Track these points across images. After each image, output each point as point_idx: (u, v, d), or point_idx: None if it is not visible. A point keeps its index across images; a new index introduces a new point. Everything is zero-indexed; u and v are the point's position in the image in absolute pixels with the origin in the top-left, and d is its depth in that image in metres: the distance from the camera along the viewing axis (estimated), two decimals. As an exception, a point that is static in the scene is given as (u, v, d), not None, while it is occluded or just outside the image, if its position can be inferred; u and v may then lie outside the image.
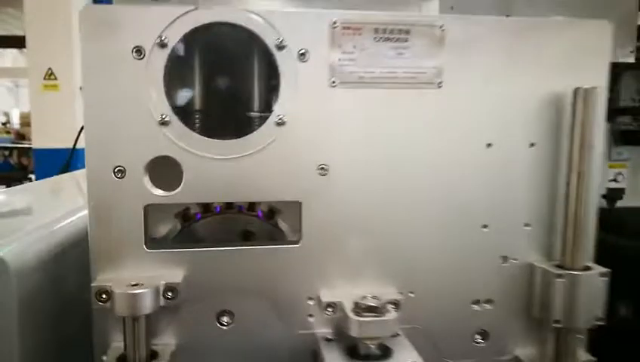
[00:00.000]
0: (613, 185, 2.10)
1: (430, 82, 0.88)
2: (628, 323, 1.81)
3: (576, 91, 0.89)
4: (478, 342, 0.94)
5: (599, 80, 0.92)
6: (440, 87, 0.89)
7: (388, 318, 0.79)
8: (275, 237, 0.98)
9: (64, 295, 0.96)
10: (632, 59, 1.79)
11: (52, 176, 2.04)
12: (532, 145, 0.92)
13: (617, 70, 1.92)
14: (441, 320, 0.92)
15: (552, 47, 0.92)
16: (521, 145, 0.92)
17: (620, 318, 1.83)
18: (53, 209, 1.24)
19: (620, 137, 2.06)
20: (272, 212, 1.01)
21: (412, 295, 0.91)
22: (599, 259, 1.93)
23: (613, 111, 2.01)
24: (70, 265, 0.96)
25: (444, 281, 0.92)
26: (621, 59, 1.80)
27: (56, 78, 4.25)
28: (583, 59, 0.92)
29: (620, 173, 2.14)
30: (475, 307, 0.94)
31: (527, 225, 0.94)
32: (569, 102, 0.90)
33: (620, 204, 2.07)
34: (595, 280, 0.89)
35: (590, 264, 0.92)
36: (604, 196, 2.03)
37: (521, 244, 0.94)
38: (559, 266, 0.91)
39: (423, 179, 0.90)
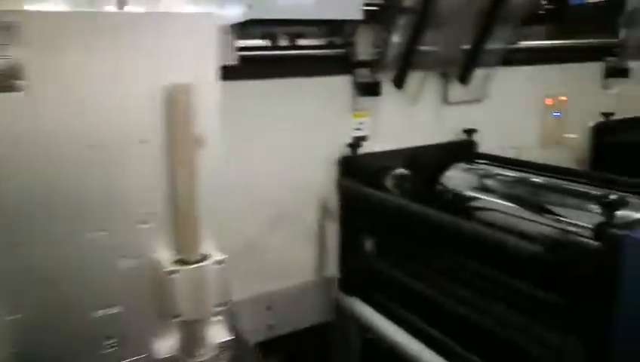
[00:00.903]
0: (358, 133, 2.22)
1: (5, 84, 0.78)
2: (371, 258, 2.01)
3: (177, 87, 0.86)
4: (110, 347, 0.93)
5: (208, 75, 0.91)
6: (20, 90, 0.79)
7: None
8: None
9: None
10: (360, 17, 1.85)
11: None
12: (143, 141, 0.89)
13: (353, 25, 1.98)
14: (62, 335, 0.88)
15: (158, 42, 0.87)
16: (131, 142, 0.88)
17: (365, 254, 2.02)
18: None
19: (361, 88, 2.16)
20: None
21: (18, 316, 0.84)
22: (345, 203, 2.06)
23: (353, 65, 2.10)
24: None
25: (60, 295, 0.87)
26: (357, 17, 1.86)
27: None
28: (192, 52, 0.90)
29: (362, 122, 2.27)
30: (100, 313, 0.91)
31: (144, 222, 0.92)
32: (177, 99, 0.88)
33: (362, 150, 2.23)
34: (210, 269, 0.91)
35: (209, 252, 0.93)
36: (349, 145, 2.14)
37: (142, 243, 0.92)
38: (181, 261, 0.91)
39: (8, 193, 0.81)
